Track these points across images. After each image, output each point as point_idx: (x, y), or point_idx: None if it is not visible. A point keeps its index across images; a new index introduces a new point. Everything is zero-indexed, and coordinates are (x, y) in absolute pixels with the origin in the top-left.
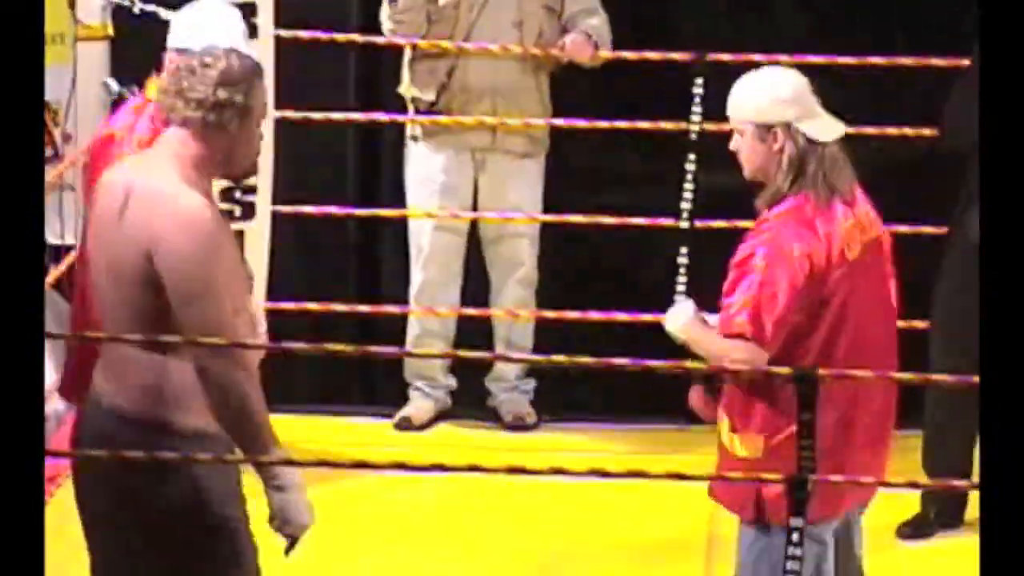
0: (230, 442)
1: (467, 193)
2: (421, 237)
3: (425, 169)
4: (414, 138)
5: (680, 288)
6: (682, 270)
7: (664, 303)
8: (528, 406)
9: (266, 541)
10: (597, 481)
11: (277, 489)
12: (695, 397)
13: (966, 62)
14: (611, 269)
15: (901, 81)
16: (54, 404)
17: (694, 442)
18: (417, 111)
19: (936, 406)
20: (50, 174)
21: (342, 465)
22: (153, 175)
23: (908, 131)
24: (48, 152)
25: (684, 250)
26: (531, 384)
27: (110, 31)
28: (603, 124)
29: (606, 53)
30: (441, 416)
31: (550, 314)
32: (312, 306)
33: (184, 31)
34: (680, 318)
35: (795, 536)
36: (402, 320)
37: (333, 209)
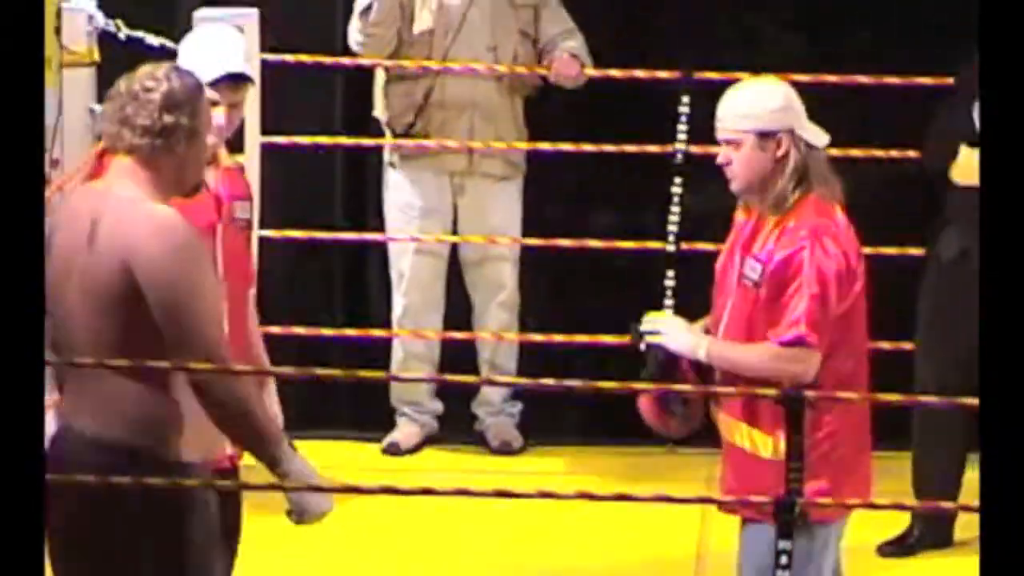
0: (211, 475)
1: (447, 217)
2: (402, 262)
3: (404, 195)
4: (392, 164)
5: (667, 311)
6: (668, 292)
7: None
8: (514, 430)
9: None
10: (585, 503)
11: (282, 477)
12: (646, 407)
13: (950, 80)
14: (596, 292)
15: (889, 100)
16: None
17: (681, 465)
18: (393, 134)
19: (923, 425)
20: None
21: (331, 490)
22: (117, 195)
23: (895, 152)
24: None
25: (671, 273)
26: (517, 407)
27: (96, 57)
28: (589, 147)
29: (590, 71)
30: (428, 441)
31: (537, 337)
32: (299, 330)
33: (184, 56)
34: (687, 343)
35: (783, 559)
36: (390, 345)
37: (320, 234)
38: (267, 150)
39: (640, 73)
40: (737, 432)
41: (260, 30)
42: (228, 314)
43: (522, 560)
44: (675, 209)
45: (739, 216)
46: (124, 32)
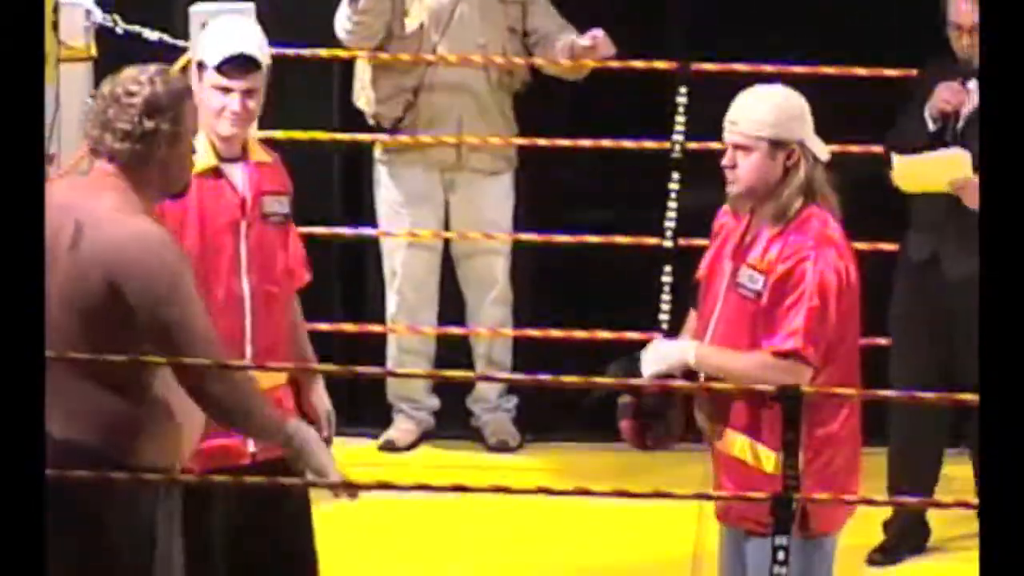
0: (178, 481)
1: (438, 212)
2: (395, 259)
3: (394, 191)
4: (380, 160)
5: (664, 307)
6: (666, 288)
7: (648, 322)
8: (511, 427)
9: None
10: (582, 500)
11: (298, 450)
12: (628, 430)
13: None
14: (593, 288)
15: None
16: None
17: (679, 462)
18: (380, 128)
19: (900, 425)
20: None
21: (328, 485)
22: (101, 205)
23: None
24: None
25: (668, 268)
26: (513, 402)
27: (93, 52)
28: (585, 142)
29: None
30: (425, 436)
31: (534, 332)
32: None
33: (197, 46)
34: (674, 350)
35: (780, 555)
36: (386, 341)
37: (318, 229)
38: (262, 143)
39: (638, 63)
40: (737, 445)
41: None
42: (254, 311)
43: (519, 557)
44: (672, 205)
45: (725, 220)
46: (121, 27)
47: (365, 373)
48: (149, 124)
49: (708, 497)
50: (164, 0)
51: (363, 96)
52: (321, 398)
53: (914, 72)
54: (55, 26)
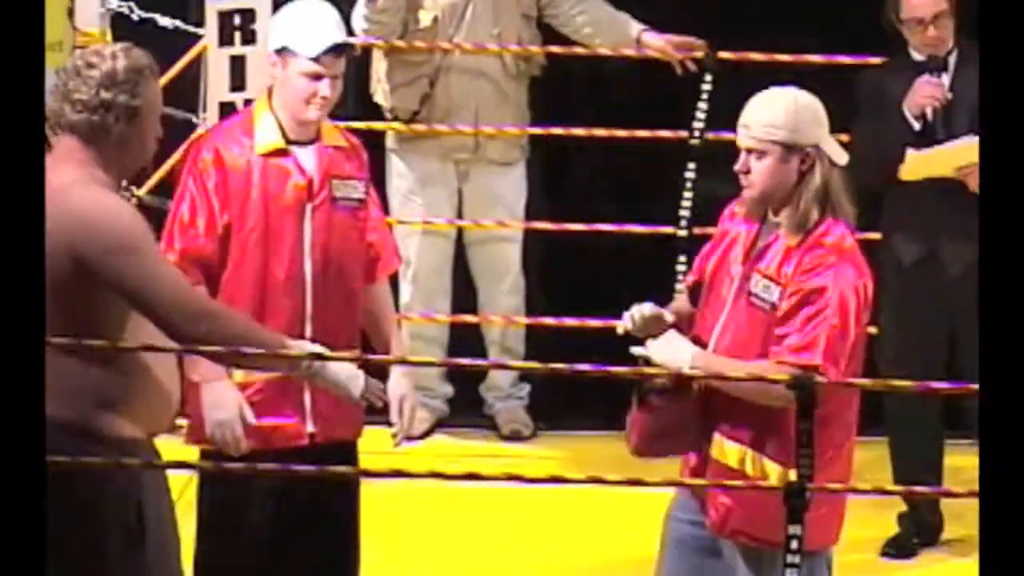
0: (158, 452)
1: (452, 201)
2: (408, 247)
3: (407, 181)
4: (394, 151)
5: (678, 296)
6: (680, 277)
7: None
8: (524, 415)
9: None
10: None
11: (315, 376)
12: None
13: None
14: (607, 276)
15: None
16: None
17: None
18: (396, 120)
19: (899, 418)
20: None
21: (343, 474)
22: (60, 178)
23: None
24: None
25: (683, 258)
26: (525, 389)
27: (109, 38)
28: (600, 132)
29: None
30: (438, 425)
31: (548, 321)
32: None
33: (279, 32)
34: (683, 352)
35: (794, 544)
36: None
37: None
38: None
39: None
40: (736, 458)
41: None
42: (315, 293)
43: (531, 546)
44: (687, 194)
45: (732, 223)
46: (137, 13)
47: (377, 360)
48: (106, 96)
49: (723, 486)
50: None
51: (379, 90)
52: (402, 386)
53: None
54: (70, 13)
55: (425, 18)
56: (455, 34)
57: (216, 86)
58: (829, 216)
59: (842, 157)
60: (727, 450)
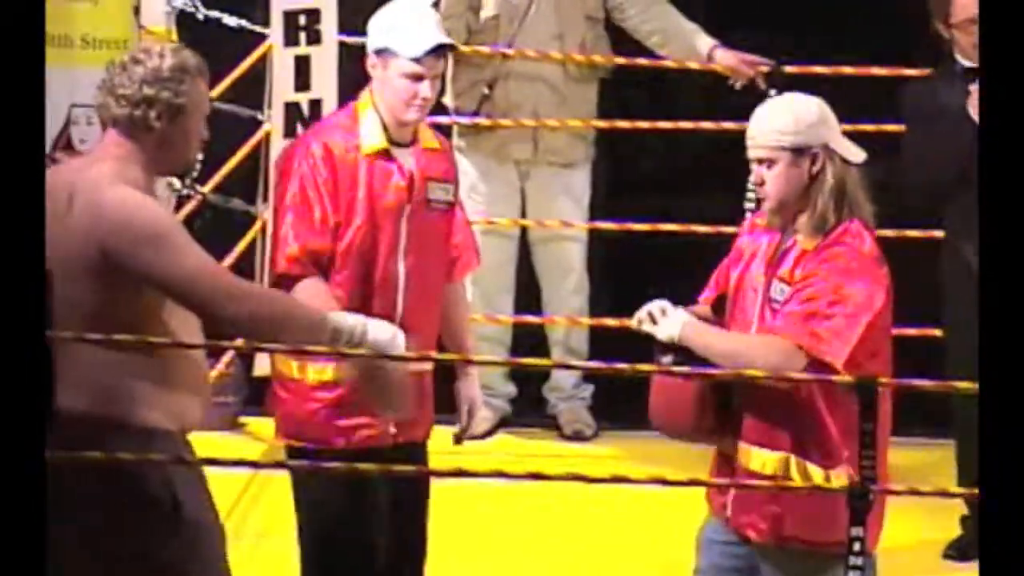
0: (188, 442)
1: (515, 203)
2: None
3: (471, 179)
4: (459, 149)
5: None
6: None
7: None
8: (587, 415)
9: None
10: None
11: (360, 345)
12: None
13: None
14: (670, 276)
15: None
16: None
17: None
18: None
19: (964, 418)
20: None
21: (405, 472)
22: (93, 174)
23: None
24: None
25: None
26: (588, 390)
27: (174, 37)
28: (665, 124)
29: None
30: (501, 424)
31: (611, 322)
32: None
33: (380, 32)
34: (675, 321)
35: (856, 546)
36: None
37: None
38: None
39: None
40: (774, 466)
41: (338, 12)
42: (406, 293)
43: (594, 545)
44: (751, 195)
45: (750, 238)
46: (203, 12)
47: (441, 360)
48: (148, 91)
49: (784, 488)
50: None
51: (448, 90)
52: (468, 387)
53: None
54: (136, 11)
55: (484, 16)
56: (517, 33)
57: (281, 86)
58: (847, 217)
59: (857, 156)
60: (764, 459)
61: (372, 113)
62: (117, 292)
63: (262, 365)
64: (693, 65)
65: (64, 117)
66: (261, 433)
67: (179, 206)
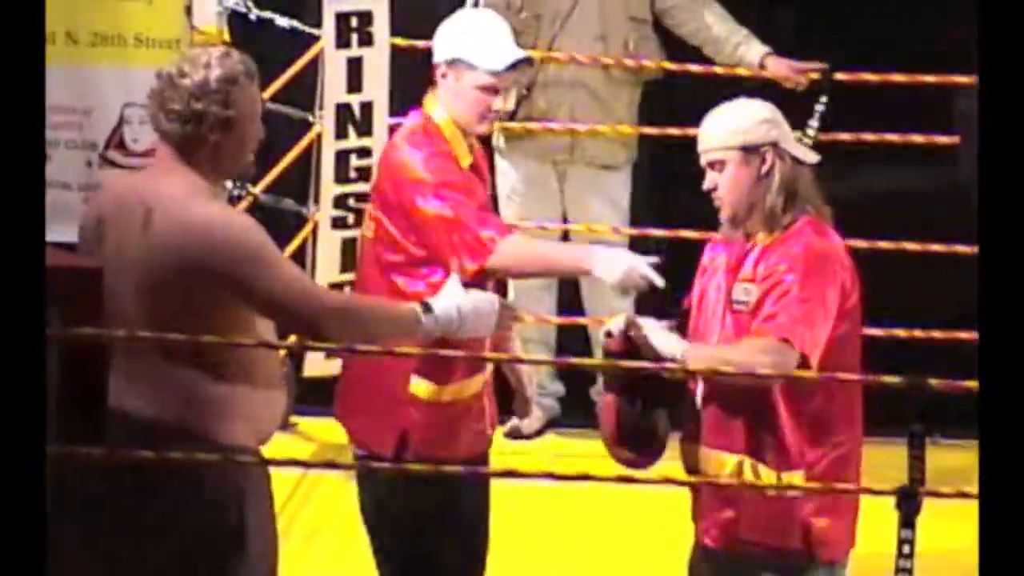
0: (261, 455)
1: (555, 201)
2: None
3: (510, 180)
4: (498, 149)
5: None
6: None
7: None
8: None
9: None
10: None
11: (459, 330)
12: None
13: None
14: None
15: None
16: None
17: None
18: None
19: None
20: None
21: (454, 472)
22: (168, 189)
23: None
24: None
25: None
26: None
27: (226, 36)
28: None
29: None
30: (550, 424)
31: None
32: None
33: (452, 42)
34: (674, 343)
35: (906, 548)
36: None
37: None
38: (394, 132)
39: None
40: (731, 467)
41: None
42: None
43: (642, 546)
44: None
45: (716, 251)
46: (254, 12)
47: (493, 359)
48: (197, 107)
49: (833, 491)
50: None
51: None
52: (525, 386)
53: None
54: (188, 11)
55: (525, 16)
56: (558, 33)
57: (333, 87)
58: (805, 216)
59: (809, 157)
60: (722, 461)
61: (453, 125)
62: (195, 308)
63: (312, 365)
64: (744, 72)
65: (117, 116)
66: (312, 433)
67: (231, 206)
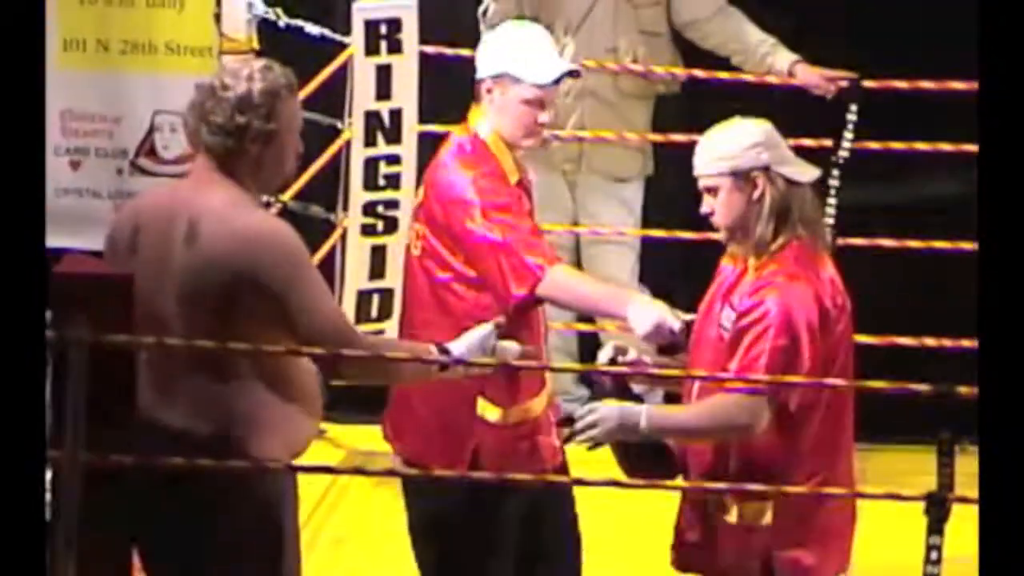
0: (294, 476)
1: (566, 210)
2: None
3: None
4: None
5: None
6: None
7: None
8: None
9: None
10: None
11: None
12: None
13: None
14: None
15: None
16: None
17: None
18: None
19: None
20: None
21: (490, 479)
22: (213, 200)
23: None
24: None
25: None
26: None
27: (255, 44)
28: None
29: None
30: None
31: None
32: None
33: (498, 56)
34: (610, 422)
35: (934, 555)
36: None
37: None
38: (422, 139)
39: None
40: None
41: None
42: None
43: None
44: (832, 201)
45: (724, 265)
46: (284, 20)
47: (522, 367)
48: (241, 120)
49: (943, 500)
50: None
51: None
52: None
53: None
54: (217, 18)
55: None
56: (568, 44)
57: (362, 95)
58: (793, 238)
59: (805, 175)
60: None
61: (501, 141)
62: (237, 322)
63: None
64: (772, 80)
65: (148, 124)
66: (340, 439)
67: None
